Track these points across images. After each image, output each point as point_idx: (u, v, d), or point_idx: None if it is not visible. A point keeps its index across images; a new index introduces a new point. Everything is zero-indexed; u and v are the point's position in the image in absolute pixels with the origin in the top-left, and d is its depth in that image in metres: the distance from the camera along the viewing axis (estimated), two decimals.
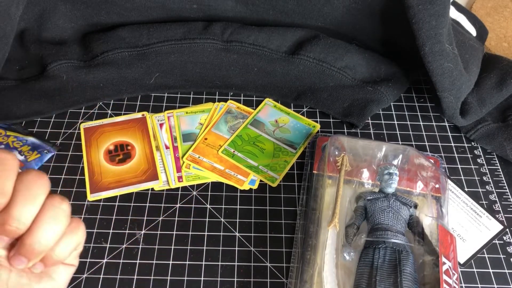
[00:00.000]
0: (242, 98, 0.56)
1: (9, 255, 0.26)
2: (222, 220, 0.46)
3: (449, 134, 0.54)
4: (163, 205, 0.46)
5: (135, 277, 0.42)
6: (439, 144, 0.53)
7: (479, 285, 0.42)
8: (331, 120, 0.54)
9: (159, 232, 0.45)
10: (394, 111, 0.56)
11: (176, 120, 0.53)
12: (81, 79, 0.54)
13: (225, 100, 0.55)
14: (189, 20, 0.58)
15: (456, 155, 0.52)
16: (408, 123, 0.55)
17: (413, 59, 0.53)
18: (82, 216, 0.45)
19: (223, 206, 0.47)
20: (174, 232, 0.45)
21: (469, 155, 0.52)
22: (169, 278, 0.42)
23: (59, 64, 0.53)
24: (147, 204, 0.46)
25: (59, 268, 0.30)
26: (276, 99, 0.56)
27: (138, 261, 0.43)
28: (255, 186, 0.48)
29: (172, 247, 0.44)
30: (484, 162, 0.51)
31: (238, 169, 0.49)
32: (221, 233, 0.45)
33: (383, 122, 0.54)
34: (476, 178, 0.50)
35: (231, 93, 0.56)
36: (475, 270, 0.43)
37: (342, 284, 0.39)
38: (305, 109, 0.55)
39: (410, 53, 0.52)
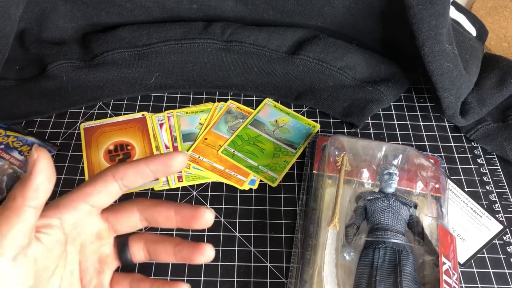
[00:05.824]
0: (242, 98, 0.56)
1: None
2: (222, 220, 0.46)
3: (449, 134, 0.54)
4: None
5: None
6: (439, 144, 0.53)
7: (479, 285, 0.42)
8: (331, 120, 0.54)
9: (159, 232, 0.44)
10: (394, 111, 0.56)
11: (176, 120, 0.53)
12: (81, 79, 0.54)
13: (225, 100, 0.55)
14: (189, 20, 0.58)
15: (456, 155, 0.52)
16: (408, 123, 0.55)
17: (413, 59, 0.53)
18: None
19: (223, 206, 0.47)
20: (174, 232, 0.45)
21: (469, 155, 0.52)
22: (169, 278, 0.42)
23: (59, 64, 0.53)
24: None
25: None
26: (276, 99, 0.56)
27: None
28: (255, 186, 0.48)
29: None
30: (484, 162, 0.51)
31: (238, 169, 0.49)
32: (221, 233, 0.45)
33: (383, 122, 0.54)
34: (476, 178, 0.50)
35: (231, 93, 0.56)
36: (475, 270, 0.43)
37: (342, 284, 0.39)
38: (305, 109, 0.55)
39: (410, 53, 0.52)
